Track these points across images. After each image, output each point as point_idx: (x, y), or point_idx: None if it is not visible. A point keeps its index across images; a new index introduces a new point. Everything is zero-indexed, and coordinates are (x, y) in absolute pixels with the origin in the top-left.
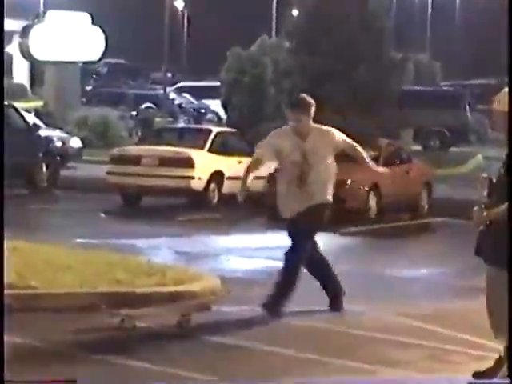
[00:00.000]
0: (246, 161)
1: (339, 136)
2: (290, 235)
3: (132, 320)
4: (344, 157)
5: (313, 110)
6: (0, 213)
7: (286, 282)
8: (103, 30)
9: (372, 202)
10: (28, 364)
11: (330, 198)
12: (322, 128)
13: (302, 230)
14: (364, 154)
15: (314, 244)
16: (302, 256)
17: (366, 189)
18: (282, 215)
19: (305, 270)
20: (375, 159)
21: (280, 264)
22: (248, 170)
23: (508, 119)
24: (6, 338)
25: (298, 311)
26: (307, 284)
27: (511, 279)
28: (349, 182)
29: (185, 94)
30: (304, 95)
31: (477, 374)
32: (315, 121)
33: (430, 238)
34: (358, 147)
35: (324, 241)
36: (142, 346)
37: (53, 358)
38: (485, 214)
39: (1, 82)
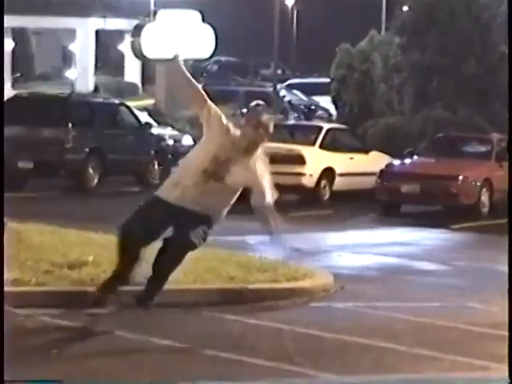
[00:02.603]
0: (357, 157)
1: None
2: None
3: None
4: (456, 152)
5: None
6: (0, 213)
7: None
8: (213, 28)
9: (484, 197)
10: (147, 361)
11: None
12: (258, 155)
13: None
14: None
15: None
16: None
17: (479, 184)
18: (160, 194)
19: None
20: (487, 154)
21: (392, 260)
22: None
23: (508, 118)
24: (118, 333)
25: (411, 307)
26: (421, 281)
27: (511, 277)
28: (461, 177)
29: (295, 91)
30: (265, 119)
31: None
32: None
33: None
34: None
35: (437, 236)
36: (257, 342)
37: (165, 355)
38: None
39: (1, 80)
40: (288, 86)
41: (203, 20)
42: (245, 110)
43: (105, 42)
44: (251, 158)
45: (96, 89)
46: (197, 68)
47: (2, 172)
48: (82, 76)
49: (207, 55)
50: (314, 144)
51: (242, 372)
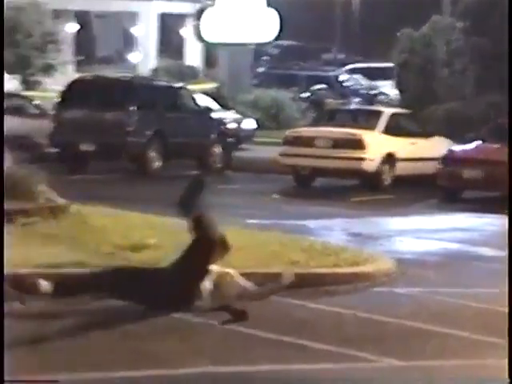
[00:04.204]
0: (419, 142)
1: None
2: None
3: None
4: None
5: None
6: (0, 212)
7: None
8: (278, 12)
9: None
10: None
11: None
12: None
13: None
14: None
15: None
16: None
17: None
18: None
19: None
20: None
21: (453, 245)
22: None
23: (508, 118)
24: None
25: (472, 292)
26: (482, 267)
27: (510, 277)
28: None
29: (356, 75)
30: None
31: None
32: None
33: None
34: None
35: (498, 222)
36: (319, 326)
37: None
38: None
39: (1, 78)
40: (349, 70)
41: (268, 4)
42: (306, 94)
43: (167, 26)
44: None
45: (154, 72)
46: (258, 52)
47: (3, 172)
48: (145, 59)
49: (270, 39)
50: (375, 129)
51: (304, 356)
